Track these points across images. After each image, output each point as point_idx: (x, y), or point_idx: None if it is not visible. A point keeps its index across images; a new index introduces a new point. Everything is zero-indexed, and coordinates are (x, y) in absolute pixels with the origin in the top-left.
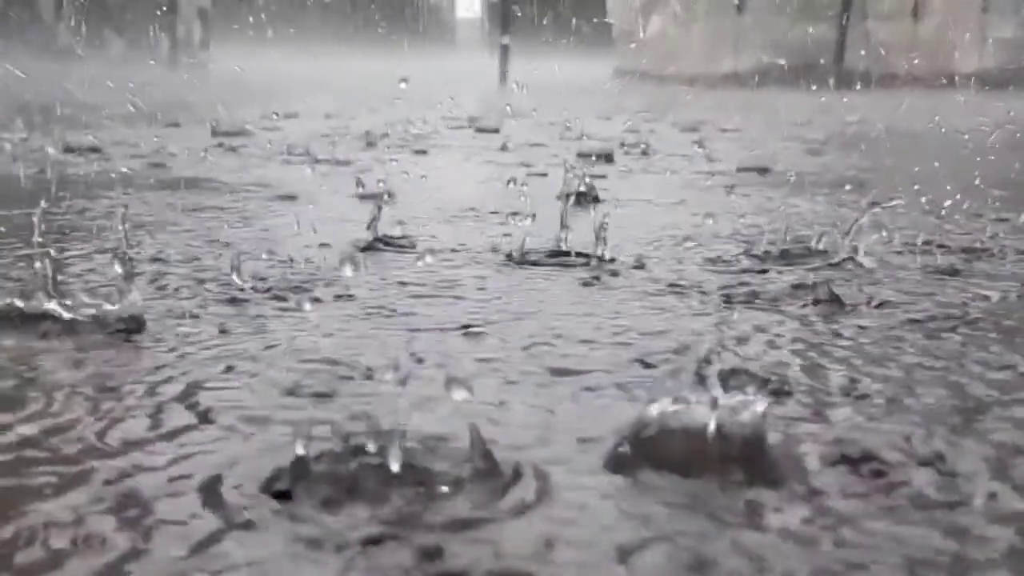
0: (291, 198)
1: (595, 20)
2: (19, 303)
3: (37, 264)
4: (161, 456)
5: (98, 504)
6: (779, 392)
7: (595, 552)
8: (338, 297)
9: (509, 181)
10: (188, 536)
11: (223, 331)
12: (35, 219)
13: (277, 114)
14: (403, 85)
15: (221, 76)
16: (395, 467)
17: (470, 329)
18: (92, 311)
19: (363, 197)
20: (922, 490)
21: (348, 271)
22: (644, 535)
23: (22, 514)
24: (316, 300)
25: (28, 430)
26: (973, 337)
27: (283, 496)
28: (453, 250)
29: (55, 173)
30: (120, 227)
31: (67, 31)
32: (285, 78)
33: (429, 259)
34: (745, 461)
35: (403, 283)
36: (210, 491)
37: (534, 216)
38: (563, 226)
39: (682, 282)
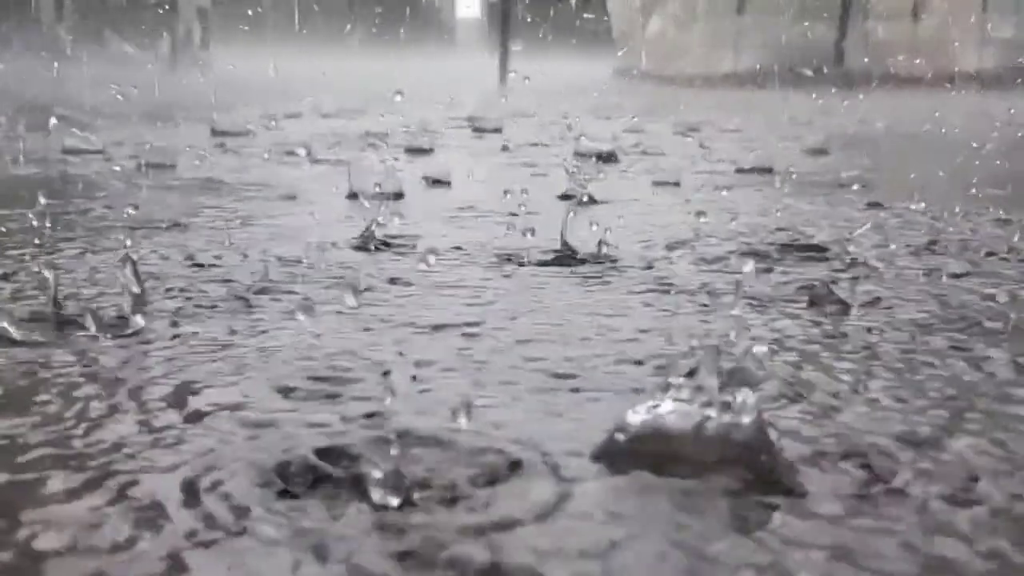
0: (291, 198)
1: (595, 20)
2: (10, 327)
3: (39, 269)
4: (161, 456)
5: (93, 504)
6: (780, 393)
7: (587, 551)
8: (337, 306)
9: (506, 193)
10: (187, 534)
11: (229, 332)
12: (36, 220)
13: (277, 115)
14: (398, 98)
15: (221, 76)
16: (389, 470)
17: (470, 330)
18: (94, 313)
19: (353, 196)
20: (925, 492)
21: (350, 300)
22: (637, 537)
23: (23, 514)
24: (316, 301)
25: (27, 431)
26: (981, 338)
27: (286, 495)
28: (454, 251)
29: (55, 173)
30: (124, 238)
31: (67, 31)
32: (285, 78)
33: (430, 259)
34: (740, 461)
35: (403, 283)
36: (209, 490)
37: (533, 231)
38: (564, 228)
39: (684, 283)
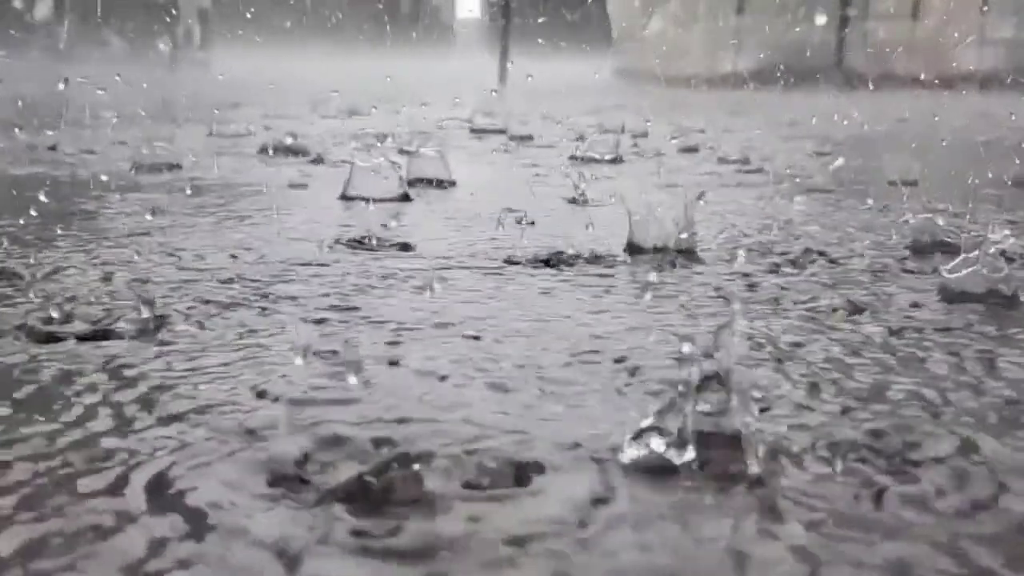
0: (290, 199)
1: (595, 21)
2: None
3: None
4: (159, 454)
5: (95, 502)
6: (776, 396)
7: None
8: (335, 308)
9: (498, 225)
10: (157, 532)
11: (225, 335)
12: (35, 222)
13: (276, 115)
14: (373, 109)
15: (220, 77)
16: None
17: (468, 333)
18: (103, 316)
19: (352, 198)
20: (908, 492)
21: (352, 380)
22: (630, 545)
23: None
24: (314, 305)
25: (38, 431)
26: (994, 340)
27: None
28: (455, 253)
29: (55, 175)
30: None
31: (67, 32)
32: (286, 78)
33: (430, 260)
34: (735, 469)
35: (401, 285)
36: (207, 487)
37: (532, 223)
38: (572, 229)
39: (691, 285)
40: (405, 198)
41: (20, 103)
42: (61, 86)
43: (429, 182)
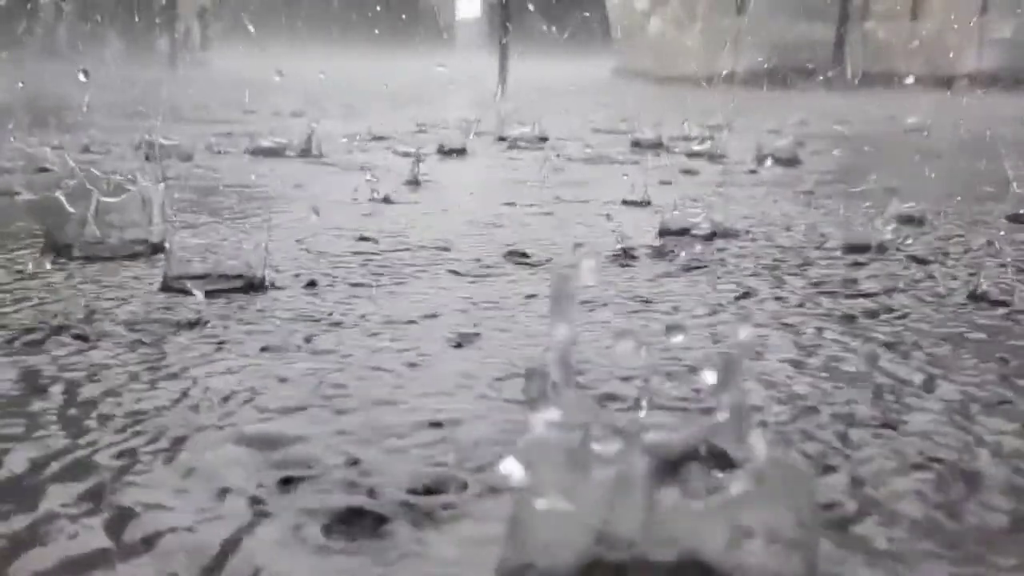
0: (291, 200)
1: (595, 21)
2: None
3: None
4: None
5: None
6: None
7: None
8: (334, 310)
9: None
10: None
11: (217, 339)
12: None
13: (276, 114)
14: (397, 129)
15: (221, 76)
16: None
17: (466, 334)
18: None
19: (352, 197)
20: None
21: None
22: None
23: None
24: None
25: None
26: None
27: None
28: (456, 252)
29: (59, 175)
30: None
31: (67, 33)
32: (287, 78)
33: (428, 262)
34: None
35: (399, 284)
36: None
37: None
38: (570, 230)
39: (699, 286)
40: (399, 198)
41: (19, 107)
42: (82, 78)
43: (429, 183)
